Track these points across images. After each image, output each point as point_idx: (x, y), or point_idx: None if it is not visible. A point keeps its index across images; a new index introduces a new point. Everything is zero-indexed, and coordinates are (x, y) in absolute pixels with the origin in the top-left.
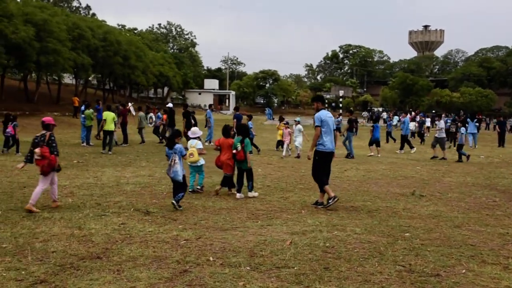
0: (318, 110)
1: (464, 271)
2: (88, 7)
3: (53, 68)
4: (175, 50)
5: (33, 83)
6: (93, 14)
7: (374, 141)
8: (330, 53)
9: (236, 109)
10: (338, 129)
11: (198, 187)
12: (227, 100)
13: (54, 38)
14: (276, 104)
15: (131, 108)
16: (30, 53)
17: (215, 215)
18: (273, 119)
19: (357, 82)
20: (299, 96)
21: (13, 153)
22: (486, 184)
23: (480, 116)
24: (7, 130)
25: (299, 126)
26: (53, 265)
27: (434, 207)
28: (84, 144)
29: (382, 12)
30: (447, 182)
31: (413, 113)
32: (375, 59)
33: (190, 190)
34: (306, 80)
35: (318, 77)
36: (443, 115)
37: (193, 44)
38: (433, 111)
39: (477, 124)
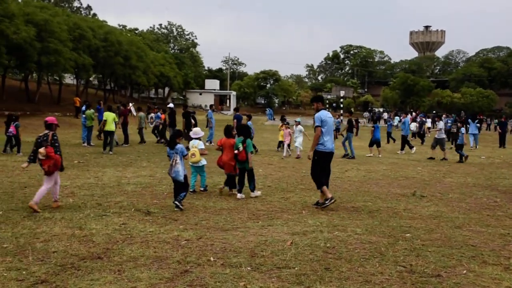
0: (318, 110)
1: (465, 271)
2: (89, 7)
3: (54, 68)
4: (176, 51)
5: (34, 83)
6: (94, 14)
7: (375, 142)
8: (331, 54)
9: (236, 109)
10: (337, 129)
11: (201, 188)
12: (228, 101)
13: (55, 38)
14: (277, 105)
15: (132, 109)
16: (31, 53)
17: (216, 215)
18: (274, 119)
19: (358, 82)
20: (300, 96)
21: (14, 153)
22: (487, 185)
23: (481, 117)
24: (9, 130)
25: (300, 126)
26: (54, 265)
27: (435, 207)
28: (85, 144)
29: (383, 12)
30: (448, 182)
31: (414, 113)
32: (376, 60)
33: (191, 190)
34: (307, 80)
35: (319, 78)
36: (443, 115)
37: (194, 45)
38: (434, 112)
39: (478, 124)
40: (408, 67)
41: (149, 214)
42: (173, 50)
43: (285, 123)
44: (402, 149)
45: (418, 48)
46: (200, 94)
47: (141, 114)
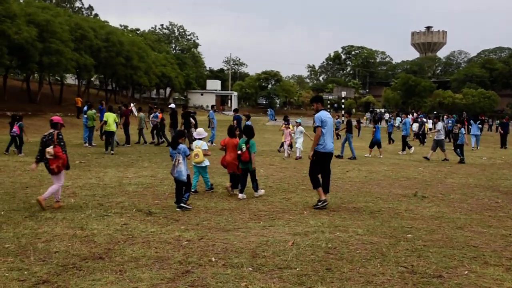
0: (318, 110)
1: (466, 272)
2: (90, 8)
3: (55, 68)
4: (178, 51)
5: (35, 84)
6: (96, 15)
7: (375, 143)
8: (332, 54)
9: (235, 110)
10: (337, 129)
11: (207, 189)
12: (229, 101)
13: (57, 39)
14: (278, 105)
15: (133, 109)
16: (33, 53)
17: (217, 215)
18: (275, 120)
19: (360, 83)
20: (301, 97)
21: (14, 153)
22: (488, 186)
23: (483, 118)
24: (13, 130)
25: (301, 127)
26: (55, 265)
27: (436, 208)
28: (87, 144)
29: (384, 13)
30: (450, 183)
31: (415, 114)
32: (378, 60)
33: (192, 190)
34: (308, 81)
35: (321, 78)
36: (445, 116)
37: (195, 45)
38: (435, 112)
39: (480, 125)
40: (409, 68)
41: (151, 215)
42: (174, 51)
43: (285, 123)
44: (403, 149)
45: (420, 48)
46: (202, 94)
47: (141, 114)
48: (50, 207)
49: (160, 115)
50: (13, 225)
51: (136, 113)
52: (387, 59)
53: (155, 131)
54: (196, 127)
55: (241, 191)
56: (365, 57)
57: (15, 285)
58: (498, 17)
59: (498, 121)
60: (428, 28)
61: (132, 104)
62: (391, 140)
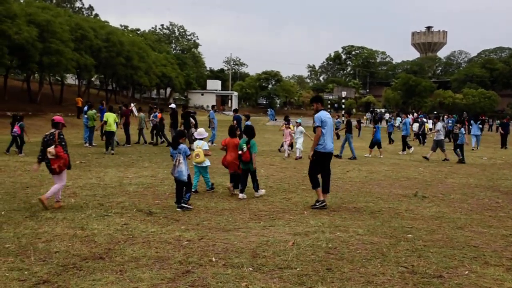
0: (317, 110)
1: (467, 272)
2: (91, 8)
3: (56, 68)
4: (178, 51)
5: (36, 84)
6: (96, 15)
7: (375, 143)
8: (332, 54)
9: (235, 111)
10: (337, 129)
11: (208, 189)
12: (229, 101)
13: (57, 39)
14: (278, 105)
15: (134, 109)
16: (33, 53)
17: (218, 215)
18: (275, 120)
19: (360, 83)
20: (302, 97)
21: (16, 153)
22: (488, 186)
23: (483, 118)
24: (14, 130)
25: (301, 127)
26: (55, 265)
27: (436, 208)
28: (87, 144)
29: (384, 13)
30: (450, 183)
31: (415, 114)
32: (378, 60)
33: (193, 190)
34: (308, 81)
35: (321, 78)
36: (445, 116)
37: (196, 45)
38: (435, 112)
39: (480, 126)
40: (410, 68)
41: (151, 215)
42: (174, 51)
43: (285, 122)
44: (403, 149)
45: (420, 48)
46: (202, 94)
47: (141, 114)
48: (50, 207)
49: (159, 115)
50: (13, 225)
51: (136, 113)
52: (387, 59)
53: (154, 131)
54: (196, 127)
55: (242, 191)
56: (366, 57)
57: (15, 285)
58: (498, 17)
59: (498, 121)
60: (428, 28)
61: (132, 104)
62: (391, 140)
